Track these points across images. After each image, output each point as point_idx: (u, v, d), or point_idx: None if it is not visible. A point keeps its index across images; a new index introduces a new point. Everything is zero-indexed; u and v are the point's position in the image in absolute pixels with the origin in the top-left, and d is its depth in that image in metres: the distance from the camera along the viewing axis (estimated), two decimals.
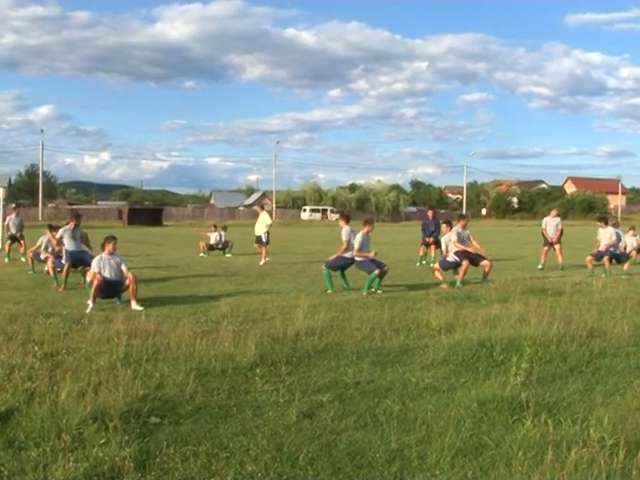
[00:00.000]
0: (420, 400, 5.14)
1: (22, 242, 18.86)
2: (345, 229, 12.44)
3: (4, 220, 20.89)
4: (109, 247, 10.35)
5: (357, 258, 12.03)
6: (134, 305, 9.84)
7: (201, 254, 21.37)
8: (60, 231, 12.98)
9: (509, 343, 6.64)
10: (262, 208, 19.97)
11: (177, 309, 9.63)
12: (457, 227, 13.48)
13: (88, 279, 10.62)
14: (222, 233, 22.51)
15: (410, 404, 5.03)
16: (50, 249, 14.48)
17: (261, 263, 17.83)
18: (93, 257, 11.38)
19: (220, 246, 21.91)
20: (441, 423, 4.51)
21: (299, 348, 6.78)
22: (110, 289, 10.21)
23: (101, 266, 10.28)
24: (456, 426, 4.44)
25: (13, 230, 19.18)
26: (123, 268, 10.38)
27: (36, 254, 15.35)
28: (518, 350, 6.24)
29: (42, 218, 59.62)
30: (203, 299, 10.81)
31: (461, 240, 13.18)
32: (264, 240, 18.58)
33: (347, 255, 12.22)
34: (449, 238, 13.27)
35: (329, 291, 11.89)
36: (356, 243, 12.00)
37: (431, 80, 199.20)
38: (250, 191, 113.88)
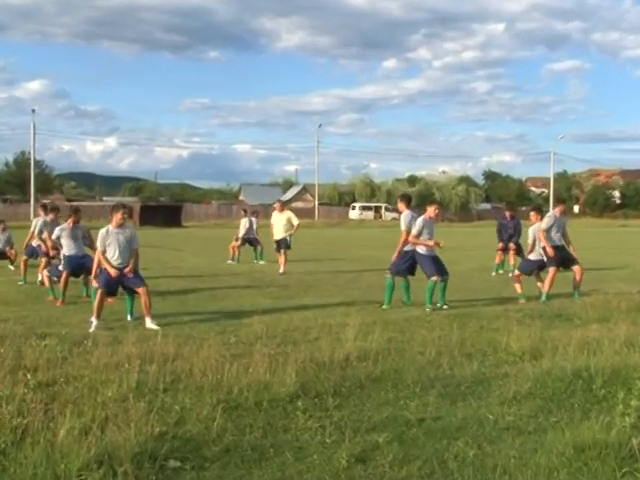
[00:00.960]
0: (500, 443, 5.02)
1: (12, 253, 18.36)
2: (405, 214, 12.19)
3: None
4: (117, 217, 10.39)
5: (417, 249, 11.84)
6: (149, 323, 9.94)
7: (229, 261, 21.59)
8: (57, 230, 13.09)
9: (613, 374, 6.45)
10: (283, 205, 19.67)
11: (201, 328, 9.69)
12: (554, 211, 13.12)
13: (95, 285, 10.76)
14: (253, 220, 22.58)
15: (488, 448, 4.91)
16: (44, 235, 14.49)
17: (281, 271, 17.89)
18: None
19: (251, 236, 21.99)
20: (528, 473, 4.38)
21: (349, 376, 6.72)
22: (116, 283, 10.25)
23: (106, 243, 10.33)
24: (547, 478, 4.31)
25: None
26: (135, 246, 10.45)
27: (29, 248, 15.30)
28: (625, 383, 6.05)
29: (36, 210, 60.60)
30: (232, 316, 10.87)
31: (556, 228, 12.69)
32: (289, 244, 18.48)
33: (408, 248, 12.03)
34: (538, 227, 12.77)
35: (385, 306, 11.84)
36: (414, 228, 11.78)
37: (509, 46, 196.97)
38: (287, 184, 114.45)
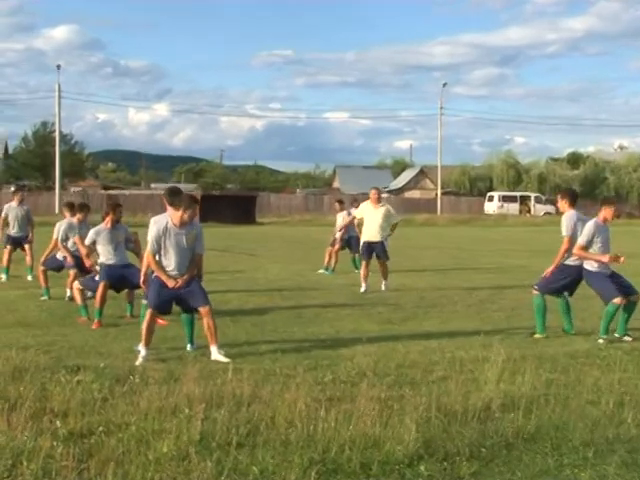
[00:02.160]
0: None
1: (28, 249, 19.30)
2: (569, 215, 11.92)
3: None
4: (188, 212, 10.33)
5: (586, 265, 11.56)
6: (215, 354, 10.03)
7: (321, 270, 21.66)
8: (91, 233, 13.31)
9: None
10: (379, 196, 18.44)
11: (285, 361, 9.71)
12: None
13: (144, 302, 10.97)
14: (353, 212, 21.98)
15: None
16: (72, 243, 14.83)
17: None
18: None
19: (352, 235, 21.52)
20: None
21: (491, 432, 6.63)
22: (171, 298, 10.37)
23: (161, 244, 10.33)
24: None
25: (14, 229, 19.37)
26: (200, 251, 10.60)
27: (51, 259, 15.73)
28: None
29: (60, 211, 62.06)
30: (327, 345, 10.88)
31: None
32: (387, 250, 17.93)
33: (571, 262, 11.77)
34: None
35: (538, 335, 11.65)
36: (582, 236, 11.51)
37: None
38: (399, 166, 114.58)
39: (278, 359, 9.82)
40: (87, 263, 13.86)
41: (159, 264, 10.37)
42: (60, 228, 15.21)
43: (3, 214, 19.55)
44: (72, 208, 15.69)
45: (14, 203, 19.53)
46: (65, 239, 15.07)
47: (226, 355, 9.95)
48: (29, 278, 18.72)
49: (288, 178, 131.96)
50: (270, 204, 71.63)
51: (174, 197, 10.56)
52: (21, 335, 11.67)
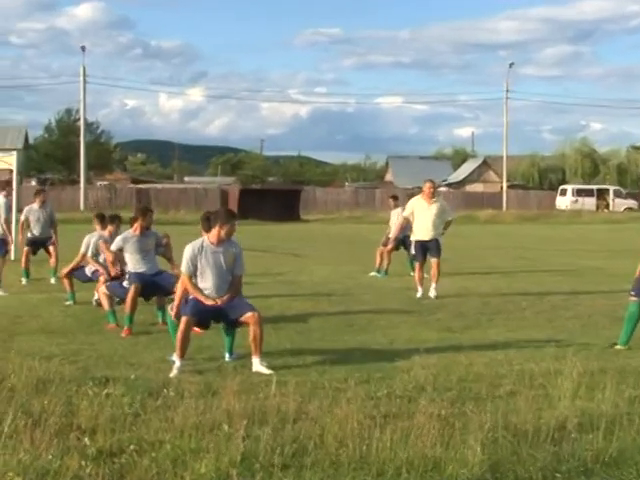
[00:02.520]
0: None
1: (52, 250, 19.42)
2: None
3: (16, 208, 21.29)
4: (225, 229, 10.40)
5: None
6: (257, 365, 10.05)
7: (373, 273, 21.62)
8: (118, 240, 13.43)
9: None
10: (434, 190, 18.20)
11: (334, 373, 9.73)
12: None
13: (171, 314, 11.05)
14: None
15: None
16: (103, 257, 14.91)
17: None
18: (175, 281, 11.70)
19: (407, 235, 21.42)
20: None
21: (566, 455, 6.59)
22: (212, 314, 10.41)
23: (197, 265, 10.41)
24: None
25: (36, 230, 19.55)
26: (239, 272, 10.61)
27: (79, 271, 15.80)
28: None
29: (86, 207, 62.35)
30: (380, 355, 10.88)
31: None
32: (441, 249, 17.71)
33: None
34: None
35: (620, 346, 11.56)
36: None
37: None
38: (460, 157, 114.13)
39: (326, 371, 9.87)
40: (112, 271, 13.95)
41: (196, 286, 10.44)
42: (90, 242, 15.22)
43: (23, 217, 19.67)
44: (103, 220, 15.75)
45: (35, 205, 19.66)
46: (96, 254, 15.09)
47: (269, 366, 9.98)
48: (52, 281, 18.89)
49: (336, 170, 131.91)
50: (316, 199, 71.67)
51: (209, 221, 10.75)
52: (44, 343, 11.78)
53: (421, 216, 17.52)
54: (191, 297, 10.49)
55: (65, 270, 15.86)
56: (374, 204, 69.48)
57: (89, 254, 15.11)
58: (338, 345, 11.77)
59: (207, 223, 10.86)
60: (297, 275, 21.83)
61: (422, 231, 17.48)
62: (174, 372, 9.77)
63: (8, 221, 18.97)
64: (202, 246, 10.49)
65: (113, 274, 13.93)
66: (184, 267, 10.52)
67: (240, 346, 10.70)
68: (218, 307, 10.35)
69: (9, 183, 19.96)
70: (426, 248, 17.49)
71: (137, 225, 13.31)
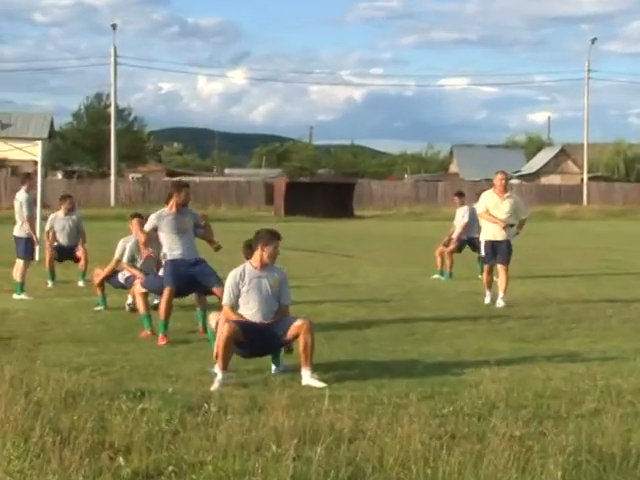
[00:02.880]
0: None
1: (81, 252, 19.41)
2: None
3: (41, 204, 21.58)
4: (269, 250, 10.53)
5: None
6: (307, 377, 10.08)
7: (435, 275, 21.55)
8: (152, 217, 13.29)
9: None
10: (507, 182, 18.01)
11: (394, 387, 9.71)
12: None
13: (212, 322, 11.09)
14: (475, 208, 21.50)
15: None
16: (141, 262, 15.13)
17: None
18: (216, 281, 11.74)
19: (473, 237, 21.21)
20: None
21: None
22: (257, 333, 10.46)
23: (241, 289, 10.54)
24: None
25: (62, 240, 19.66)
26: (286, 302, 10.75)
27: (112, 277, 15.87)
28: None
29: (117, 202, 62.89)
30: (445, 368, 10.87)
31: None
32: (512, 250, 17.52)
33: None
34: None
35: None
36: None
37: None
38: (534, 145, 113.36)
39: (385, 385, 9.85)
40: (145, 253, 14.19)
41: (240, 316, 10.51)
42: (125, 247, 15.39)
43: (47, 227, 19.78)
44: (142, 221, 15.32)
45: (61, 213, 19.80)
46: (132, 260, 15.23)
47: (321, 379, 10.00)
48: (80, 284, 19.07)
49: (393, 161, 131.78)
50: (371, 193, 71.62)
51: (251, 249, 10.82)
52: (73, 353, 11.89)
53: (492, 213, 17.28)
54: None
55: (97, 278, 15.89)
56: (436, 199, 69.37)
57: (124, 260, 15.26)
58: (398, 356, 11.76)
59: (249, 250, 10.89)
60: (351, 278, 21.84)
61: (493, 230, 17.23)
62: (216, 385, 9.81)
63: (32, 218, 18.82)
64: (244, 271, 10.63)
65: (145, 256, 14.17)
66: (226, 297, 10.67)
67: (288, 357, 10.75)
68: (265, 327, 10.44)
69: (29, 176, 19.77)
70: (496, 250, 17.25)
71: (173, 202, 13.20)
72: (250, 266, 10.68)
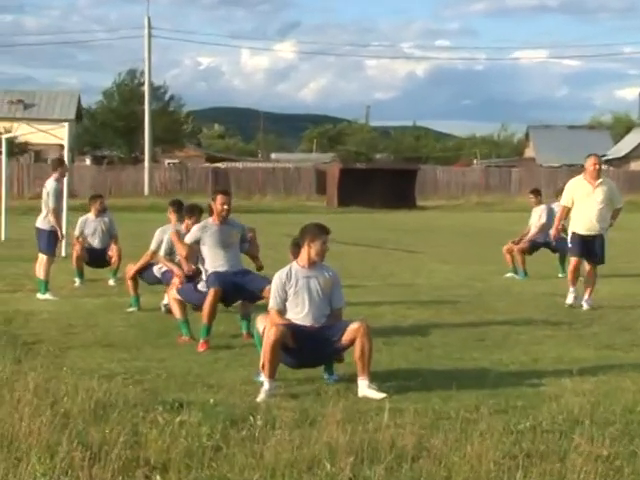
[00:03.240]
0: None
1: (113, 251, 19.46)
2: None
3: (67, 194, 21.54)
4: (316, 247, 10.59)
5: None
6: (364, 388, 10.06)
7: (509, 274, 21.46)
8: (195, 229, 13.38)
9: None
10: (600, 167, 17.46)
11: (461, 399, 9.68)
12: None
13: (259, 326, 11.06)
14: (555, 208, 20.93)
15: None
16: (177, 257, 14.97)
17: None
18: (266, 282, 11.71)
19: (547, 240, 20.99)
20: None
21: None
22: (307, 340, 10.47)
23: (288, 291, 10.62)
24: None
25: (95, 242, 19.72)
26: (339, 304, 10.75)
27: (146, 271, 16.01)
28: None
29: (151, 191, 62.92)
30: (521, 378, 10.83)
31: None
32: (603, 247, 17.11)
33: None
34: None
35: None
36: None
37: None
38: (622, 126, 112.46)
39: (452, 397, 9.81)
40: (185, 268, 14.12)
41: (289, 322, 10.49)
42: (163, 237, 15.41)
43: (77, 231, 19.80)
44: (180, 209, 15.72)
45: (91, 215, 19.92)
46: (170, 253, 15.20)
47: (380, 390, 9.97)
48: (111, 282, 19.26)
49: (461, 144, 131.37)
50: (436, 181, 71.55)
51: (299, 247, 10.84)
52: (103, 359, 11.98)
53: (583, 203, 16.70)
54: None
55: (130, 272, 15.98)
56: (509, 187, 69.10)
57: (161, 252, 15.30)
58: (466, 364, 11.76)
59: (298, 250, 10.88)
60: (413, 277, 21.90)
61: (584, 222, 16.70)
62: (262, 396, 9.82)
63: (58, 210, 18.66)
64: (291, 271, 10.66)
65: (186, 272, 14.05)
66: (272, 301, 10.69)
67: (343, 365, 10.75)
68: (316, 331, 10.44)
69: (61, 163, 19.63)
70: (587, 245, 16.72)
71: (217, 209, 13.24)
72: (297, 265, 10.71)
